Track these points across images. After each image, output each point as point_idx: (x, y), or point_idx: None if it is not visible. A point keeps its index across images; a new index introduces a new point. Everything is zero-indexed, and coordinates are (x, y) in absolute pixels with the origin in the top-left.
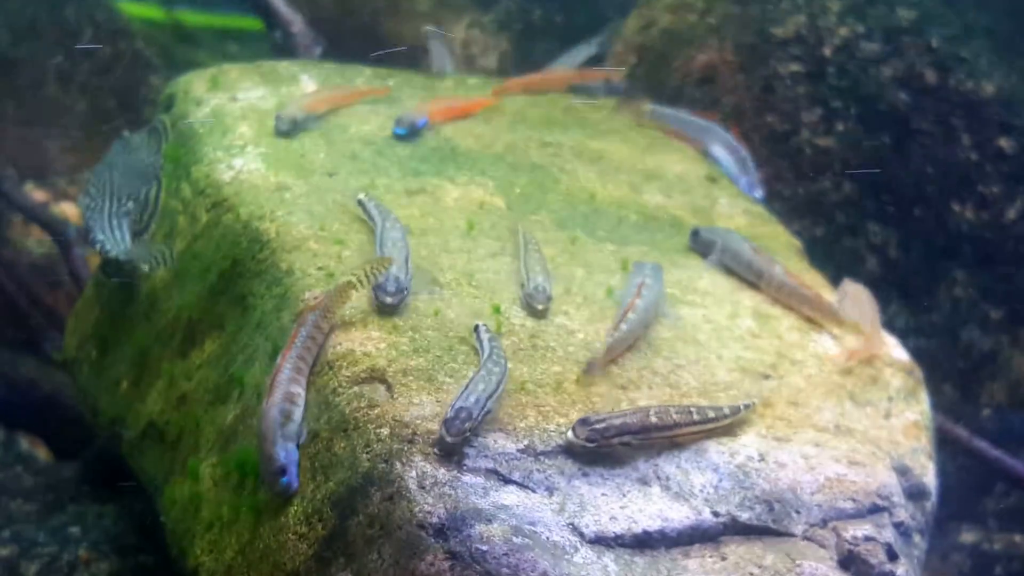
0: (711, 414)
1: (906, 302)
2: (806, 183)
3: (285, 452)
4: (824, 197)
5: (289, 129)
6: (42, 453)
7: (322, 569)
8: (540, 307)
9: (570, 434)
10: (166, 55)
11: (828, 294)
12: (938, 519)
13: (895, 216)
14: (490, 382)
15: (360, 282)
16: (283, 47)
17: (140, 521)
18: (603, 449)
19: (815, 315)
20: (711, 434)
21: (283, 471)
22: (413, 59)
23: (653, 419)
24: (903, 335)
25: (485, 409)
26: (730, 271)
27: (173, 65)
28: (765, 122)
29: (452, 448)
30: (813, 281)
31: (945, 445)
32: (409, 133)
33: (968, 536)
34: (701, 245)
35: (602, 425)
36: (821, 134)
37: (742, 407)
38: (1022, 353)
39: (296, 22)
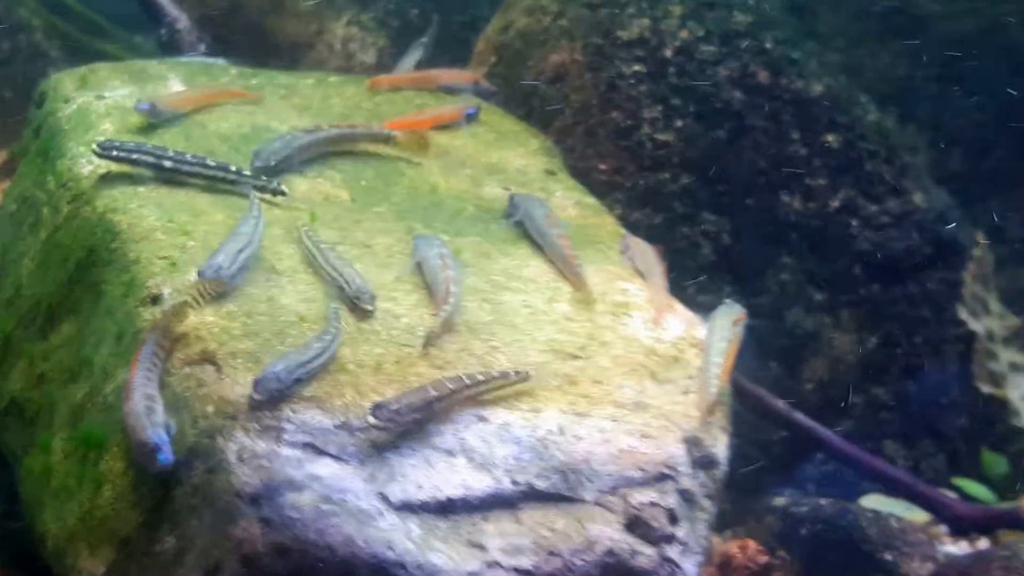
0: (480, 377)
1: (737, 286)
2: (647, 175)
3: (156, 434)
4: (663, 188)
5: (148, 109)
6: None
7: (150, 535)
8: (368, 307)
9: (371, 418)
10: (75, 48)
11: (631, 280)
12: (761, 485)
13: (728, 206)
14: (306, 353)
15: (195, 301)
16: (168, 44)
17: (9, 491)
18: (400, 428)
19: (566, 275)
20: (485, 396)
21: (157, 448)
22: (295, 57)
23: (432, 392)
24: None
25: (295, 376)
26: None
27: (83, 57)
28: (610, 118)
29: (262, 405)
30: (622, 269)
31: (767, 417)
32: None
33: (780, 500)
34: (513, 209)
35: (395, 407)
36: (661, 130)
37: (512, 374)
38: (842, 332)
39: (181, 19)
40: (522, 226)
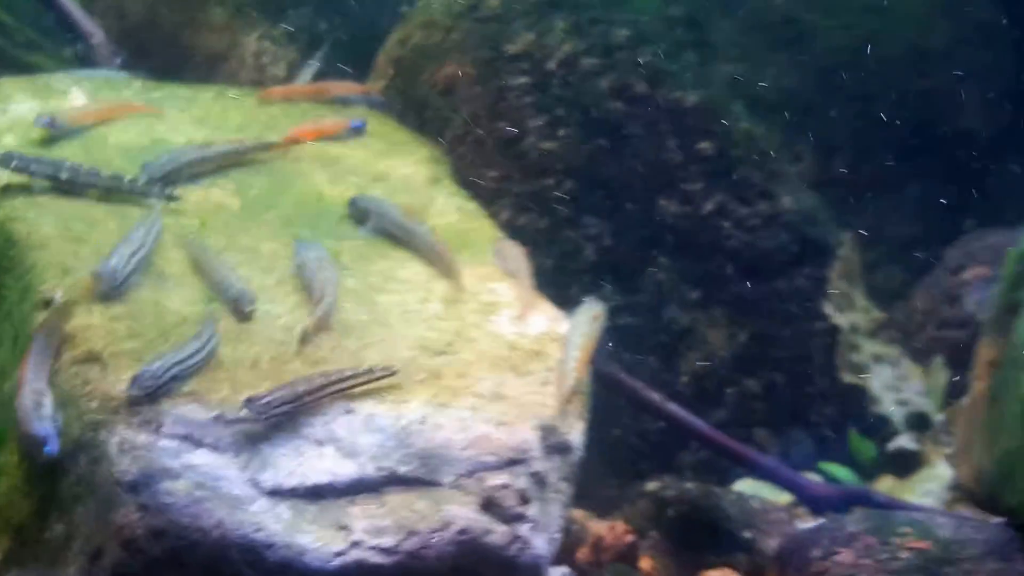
0: (348, 373)
1: (617, 285)
2: (532, 181)
3: (43, 427)
4: (547, 193)
5: (48, 123)
6: None
7: (40, 523)
8: (248, 309)
9: (244, 411)
10: (2, 60)
11: (501, 280)
12: (641, 471)
13: (609, 210)
14: (182, 352)
15: (85, 299)
16: (85, 58)
17: None
18: (271, 421)
19: (440, 269)
20: (354, 390)
21: (44, 440)
22: (210, 70)
23: (302, 387)
24: (614, 314)
25: (171, 374)
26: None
27: (10, 70)
28: (497, 128)
29: (139, 400)
30: (494, 271)
31: (643, 409)
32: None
33: (651, 485)
34: (359, 212)
35: (266, 400)
36: (545, 138)
37: (379, 369)
38: (715, 328)
39: (96, 34)
40: (382, 231)
